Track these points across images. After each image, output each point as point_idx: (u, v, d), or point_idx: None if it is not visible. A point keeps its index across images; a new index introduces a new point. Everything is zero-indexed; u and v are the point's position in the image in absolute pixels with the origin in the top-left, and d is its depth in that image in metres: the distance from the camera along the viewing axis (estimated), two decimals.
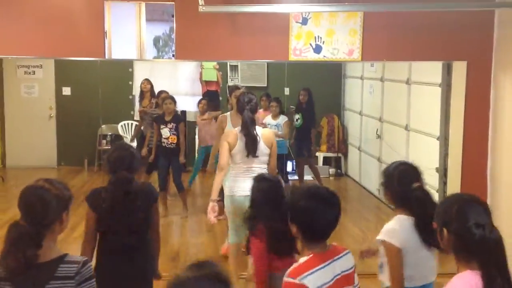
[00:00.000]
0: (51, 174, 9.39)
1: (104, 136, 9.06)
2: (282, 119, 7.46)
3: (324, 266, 2.32)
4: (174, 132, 6.84)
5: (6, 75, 9.58)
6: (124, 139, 8.98)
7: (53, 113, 9.57)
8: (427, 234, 2.81)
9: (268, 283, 3.33)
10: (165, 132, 6.84)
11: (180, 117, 7.16)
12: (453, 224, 2.05)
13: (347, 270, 2.40)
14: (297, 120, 8.31)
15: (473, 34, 5.15)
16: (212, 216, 4.39)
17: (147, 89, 7.88)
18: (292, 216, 2.40)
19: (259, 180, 3.59)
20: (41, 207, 2.22)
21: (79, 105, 9.17)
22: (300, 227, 2.37)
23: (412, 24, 5.09)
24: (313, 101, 8.34)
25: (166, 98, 7.01)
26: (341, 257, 2.40)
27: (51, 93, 9.60)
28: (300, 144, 8.33)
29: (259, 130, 4.60)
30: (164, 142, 6.87)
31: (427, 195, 2.92)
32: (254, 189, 3.53)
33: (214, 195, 4.44)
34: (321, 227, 2.33)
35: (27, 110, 9.53)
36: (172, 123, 6.86)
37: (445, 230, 2.09)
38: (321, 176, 8.55)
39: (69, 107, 9.42)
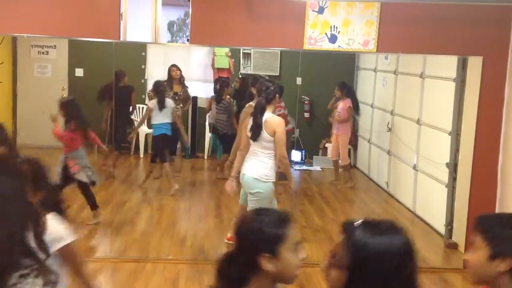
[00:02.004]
0: (61, 154, 9.45)
1: None
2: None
3: None
4: None
5: (20, 54, 9.60)
6: (135, 123, 9.00)
7: (65, 94, 9.58)
8: None
9: None
10: None
11: None
12: None
13: None
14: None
15: (490, 29, 5.10)
16: (228, 189, 4.94)
17: (178, 75, 7.88)
18: None
19: None
20: None
21: (91, 87, 9.19)
22: None
23: (429, 17, 5.05)
24: (246, 87, 8.22)
25: None
26: None
27: (63, 73, 9.63)
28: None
29: (266, 116, 4.66)
30: None
31: None
32: None
33: (233, 172, 4.92)
34: None
35: (40, 90, 9.56)
36: None
37: (506, 261, 1.77)
38: (327, 168, 8.55)
39: (81, 89, 9.42)
